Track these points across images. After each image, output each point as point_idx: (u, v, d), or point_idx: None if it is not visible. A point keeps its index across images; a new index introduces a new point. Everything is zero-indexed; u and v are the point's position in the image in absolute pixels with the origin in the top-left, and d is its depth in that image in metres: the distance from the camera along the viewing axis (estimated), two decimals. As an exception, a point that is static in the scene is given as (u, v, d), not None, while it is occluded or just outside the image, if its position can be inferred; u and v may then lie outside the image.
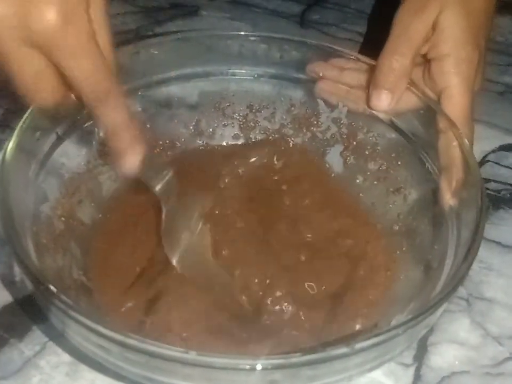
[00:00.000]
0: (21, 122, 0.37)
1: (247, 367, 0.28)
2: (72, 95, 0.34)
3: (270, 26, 0.71)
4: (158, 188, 0.40)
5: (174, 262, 0.40)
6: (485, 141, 0.44)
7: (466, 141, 0.39)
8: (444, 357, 0.41)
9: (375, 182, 0.47)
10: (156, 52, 0.46)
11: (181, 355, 0.27)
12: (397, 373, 0.40)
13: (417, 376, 0.40)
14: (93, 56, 0.31)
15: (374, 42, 0.43)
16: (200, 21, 0.72)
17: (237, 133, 0.51)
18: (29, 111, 0.37)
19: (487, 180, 0.53)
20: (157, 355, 0.28)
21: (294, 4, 0.76)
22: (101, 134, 0.41)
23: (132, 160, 0.35)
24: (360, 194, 0.47)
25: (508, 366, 0.40)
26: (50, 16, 0.29)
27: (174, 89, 0.48)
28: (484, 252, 0.46)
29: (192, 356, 0.27)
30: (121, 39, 0.65)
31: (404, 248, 0.43)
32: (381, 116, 0.44)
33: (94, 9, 0.32)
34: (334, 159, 0.49)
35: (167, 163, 0.47)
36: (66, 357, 0.39)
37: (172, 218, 0.41)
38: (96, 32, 0.31)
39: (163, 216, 0.41)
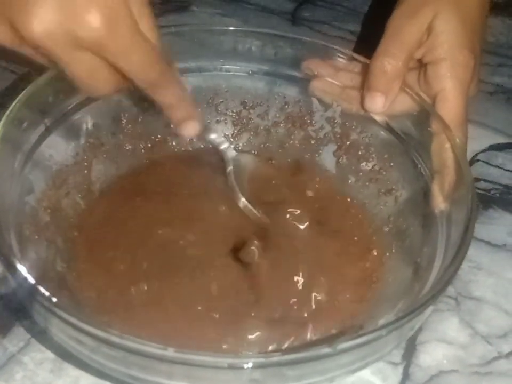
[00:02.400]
0: (7, 112, 0.36)
1: (226, 365, 0.28)
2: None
3: (261, 23, 0.71)
4: (223, 146, 0.45)
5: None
6: (475, 141, 0.44)
7: (459, 143, 0.39)
8: (433, 355, 0.41)
9: (367, 183, 0.47)
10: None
11: (159, 351, 0.27)
12: (385, 371, 0.40)
13: (405, 375, 0.40)
14: (141, 49, 0.33)
15: (368, 42, 0.43)
16: (191, 16, 0.72)
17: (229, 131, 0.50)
18: (15, 101, 0.37)
19: (477, 179, 0.53)
20: (134, 351, 0.27)
21: (285, 1, 0.76)
22: (89, 127, 0.42)
23: (193, 126, 0.40)
24: (352, 195, 0.47)
25: (496, 365, 0.41)
26: (94, 23, 0.30)
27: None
28: (473, 251, 0.46)
29: (170, 352, 0.27)
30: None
31: (393, 250, 0.43)
32: (375, 117, 0.44)
33: (135, 1, 0.33)
34: (327, 159, 0.49)
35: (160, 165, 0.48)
36: (50, 354, 0.39)
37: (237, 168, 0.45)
38: (139, 20, 0.33)
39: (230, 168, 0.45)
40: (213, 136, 0.46)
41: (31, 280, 0.30)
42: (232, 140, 0.51)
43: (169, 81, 0.36)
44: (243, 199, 0.44)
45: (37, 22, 0.30)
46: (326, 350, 0.28)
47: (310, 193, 0.47)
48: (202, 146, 0.50)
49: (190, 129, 0.40)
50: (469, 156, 0.53)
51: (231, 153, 0.46)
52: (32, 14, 0.30)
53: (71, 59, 0.32)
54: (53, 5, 0.30)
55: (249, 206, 0.44)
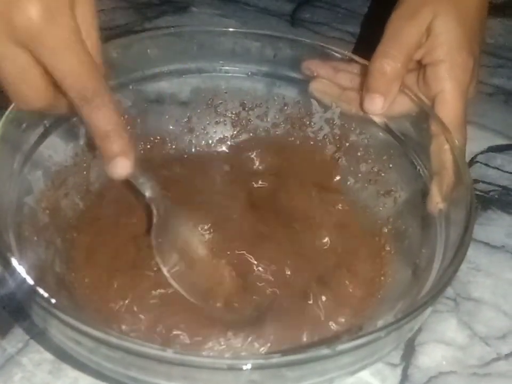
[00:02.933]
0: (6, 113, 0.36)
1: (225, 366, 0.27)
2: (61, 100, 0.33)
3: (260, 24, 0.71)
4: (148, 193, 0.39)
5: (164, 269, 0.39)
6: (474, 142, 0.44)
7: (458, 145, 0.39)
8: (431, 357, 0.41)
9: (366, 184, 0.47)
10: (148, 46, 0.45)
11: (157, 353, 0.27)
12: (384, 372, 0.40)
13: (404, 376, 0.40)
14: (77, 52, 0.31)
15: (367, 43, 0.43)
16: (190, 17, 0.72)
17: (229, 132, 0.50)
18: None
19: (476, 181, 0.53)
20: (133, 352, 0.27)
21: (284, 2, 0.76)
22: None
23: (122, 165, 0.34)
24: (350, 196, 0.47)
25: (495, 367, 0.41)
26: (33, 12, 0.29)
27: (165, 85, 0.48)
28: (471, 252, 0.46)
29: (169, 353, 0.27)
30: (110, 35, 0.65)
31: (392, 251, 0.43)
32: (375, 118, 0.44)
33: (82, 8, 0.31)
34: (326, 160, 0.48)
35: (158, 166, 0.47)
36: (49, 355, 0.38)
37: (164, 224, 0.40)
38: (84, 31, 0.31)
39: (154, 221, 0.40)
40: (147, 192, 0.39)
41: (30, 281, 0.30)
42: (231, 140, 0.51)
43: (106, 101, 0.32)
44: (165, 271, 0.39)
45: None
46: (325, 351, 0.28)
47: (309, 193, 0.47)
48: (200, 145, 0.50)
49: (120, 168, 0.34)
50: (468, 157, 0.53)
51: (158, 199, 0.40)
52: None
53: (3, 54, 0.30)
54: None
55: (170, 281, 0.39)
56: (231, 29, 0.47)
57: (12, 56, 0.30)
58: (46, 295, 0.29)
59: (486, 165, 0.55)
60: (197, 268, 0.41)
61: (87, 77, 0.31)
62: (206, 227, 0.42)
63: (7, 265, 0.31)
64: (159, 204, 0.40)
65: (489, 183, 0.54)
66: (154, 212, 0.40)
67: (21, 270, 0.31)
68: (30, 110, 0.34)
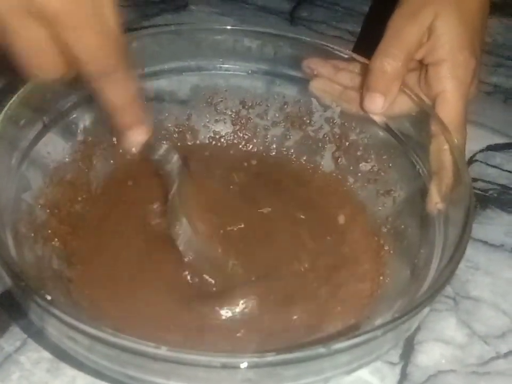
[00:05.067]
0: (5, 109, 0.36)
1: (220, 364, 0.27)
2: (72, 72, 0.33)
3: (259, 23, 0.70)
4: (166, 167, 0.39)
5: (178, 242, 0.40)
6: (473, 141, 0.44)
7: (457, 145, 0.39)
8: (430, 355, 0.41)
9: (366, 184, 0.47)
10: (148, 44, 0.45)
11: (152, 350, 0.27)
12: (383, 371, 0.40)
13: (403, 375, 0.40)
14: (97, 28, 0.31)
15: (368, 42, 0.43)
16: (189, 15, 0.72)
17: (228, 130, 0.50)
18: (13, 98, 0.36)
19: (475, 180, 0.53)
20: (128, 349, 0.27)
21: (283, 1, 0.76)
22: (87, 125, 0.40)
23: (137, 137, 0.35)
24: (350, 195, 0.47)
25: (494, 365, 0.41)
26: None
27: (165, 83, 0.48)
28: (470, 251, 0.45)
29: (163, 351, 0.27)
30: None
31: (391, 251, 0.43)
32: (375, 117, 0.44)
33: None
34: (326, 159, 0.49)
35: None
36: (47, 353, 0.38)
37: (178, 200, 0.40)
38: (104, 4, 0.31)
39: (170, 195, 0.40)
40: (162, 148, 0.40)
41: (26, 278, 0.30)
42: (231, 139, 0.50)
43: (122, 76, 0.33)
44: (184, 220, 0.40)
45: None
46: (320, 350, 0.28)
47: (308, 193, 0.47)
48: (199, 143, 0.50)
49: (137, 137, 0.35)
50: (467, 156, 0.53)
51: (180, 170, 0.41)
52: None
53: (22, 29, 0.30)
54: None
55: (188, 229, 0.40)
56: (231, 27, 0.47)
57: (29, 30, 0.30)
58: (42, 292, 0.29)
59: (485, 163, 0.55)
60: (206, 244, 0.41)
61: (106, 53, 0.31)
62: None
63: (4, 262, 0.30)
64: (178, 175, 0.40)
65: (488, 182, 0.54)
66: (174, 183, 0.40)
67: (17, 267, 0.30)
68: (42, 79, 0.33)
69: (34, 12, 0.29)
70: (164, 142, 0.39)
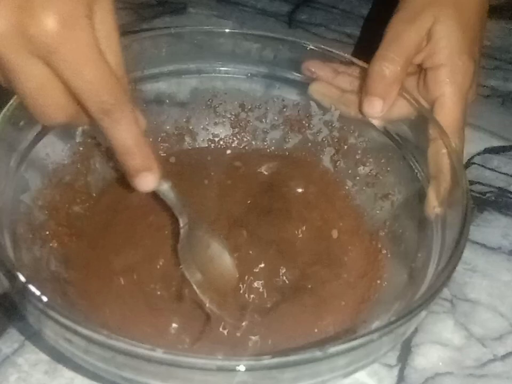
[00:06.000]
0: (4, 111, 0.36)
1: (215, 367, 0.27)
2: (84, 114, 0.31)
3: (257, 26, 0.71)
4: (170, 201, 0.39)
5: (193, 281, 0.38)
6: (471, 144, 0.45)
7: (455, 149, 0.39)
8: (428, 358, 0.41)
9: (364, 187, 0.47)
10: (147, 46, 0.45)
11: (147, 352, 0.27)
12: (381, 373, 0.40)
13: (400, 377, 0.40)
14: (95, 63, 0.29)
15: (367, 46, 0.43)
16: (187, 18, 0.72)
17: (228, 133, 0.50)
18: (13, 99, 0.36)
19: (472, 182, 0.53)
20: (123, 351, 0.27)
21: (282, 4, 0.76)
22: (87, 126, 0.39)
23: (147, 180, 0.33)
24: (348, 199, 0.47)
25: (491, 368, 0.41)
26: (49, 23, 0.28)
27: (164, 85, 0.48)
28: (468, 254, 0.46)
29: (158, 353, 0.27)
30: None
31: (388, 254, 0.43)
32: (374, 121, 0.44)
33: (101, 15, 0.30)
34: (325, 163, 0.49)
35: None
36: (45, 355, 0.38)
37: (188, 234, 0.39)
38: (104, 40, 0.30)
39: (181, 234, 0.39)
40: (170, 197, 0.38)
41: (23, 279, 0.30)
42: (230, 141, 0.51)
43: (128, 116, 0.31)
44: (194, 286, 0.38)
45: None
46: (316, 353, 0.28)
47: (307, 195, 0.47)
48: (198, 146, 0.50)
49: (145, 183, 0.34)
50: (465, 159, 0.54)
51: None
52: None
53: (21, 67, 0.29)
54: (9, 6, 0.28)
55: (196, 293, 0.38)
56: (231, 30, 0.47)
57: (29, 69, 0.29)
58: (38, 293, 0.29)
59: (483, 166, 0.56)
60: (217, 277, 0.40)
61: (106, 90, 0.30)
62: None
63: (1, 263, 0.30)
64: (181, 211, 0.39)
65: (485, 185, 0.54)
66: (179, 219, 0.39)
67: (14, 268, 0.30)
68: (52, 125, 0.32)
69: (32, 49, 0.28)
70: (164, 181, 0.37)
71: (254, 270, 0.40)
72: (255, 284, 0.40)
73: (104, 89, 0.30)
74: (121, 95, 0.31)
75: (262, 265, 0.41)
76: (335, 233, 0.45)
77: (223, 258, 0.40)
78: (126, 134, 0.32)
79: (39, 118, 0.31)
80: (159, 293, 0.39)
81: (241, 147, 0.50)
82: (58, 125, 0.32)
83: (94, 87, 0.30)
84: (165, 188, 0.37)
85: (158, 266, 0.41)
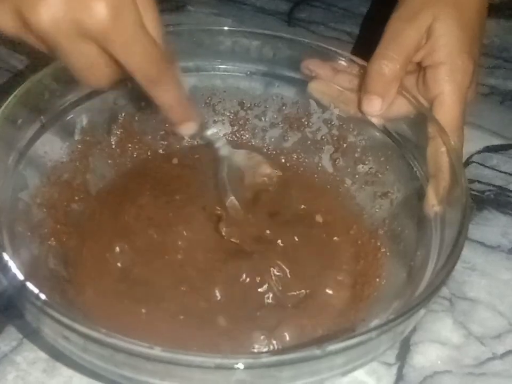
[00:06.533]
0: (2, 109, 0.36)
1: (213, 365, 0.27)
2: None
3: (257, 24, 0.70)
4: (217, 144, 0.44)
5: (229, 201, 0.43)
6: (470, 142, 0.44)
7: (454, 147, 0.39)
8: (427, 356, 0.41)
9: (363, 186, 0.47)
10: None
11: (145, 350, 0.27)
12: (379, 372, 0.40)
13: (399, 376, 0.40)
14: (144, 43, 0.33)
15: (367, 44, 0.43)
16: (186, 16, 0.72)
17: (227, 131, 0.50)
18: (11, 97, 0.37)
19: (472, 181, 0.53)
20: (121, 349, 0.27)
21: (281, 2, 0.76)
22: (85, 125, 0.42)
23: (187, 130, 0.40)
24: (348, 197, 0.47)
25: (490, 366, 0.41)
26: (100, 11, 0.31)
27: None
28: (467, 252, 0.46)
29: (156, 351, 0.27)
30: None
31: (388, 253, 0.43)
32: (373, 120, 0.44)
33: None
34: (324, 161, 0.49)
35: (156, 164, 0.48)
36: (43, 354, 0.38)
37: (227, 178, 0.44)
38: (143, 14, 0.33)
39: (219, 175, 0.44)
40: (209, 132, 0.45)
41: (21, 277, 0.30)
42: (229, 139, 0.50)
43: (170, 81, 0.36)
44: (232, 198, 0.44)
45: (44, 10, 0.31)
46: (315, 351, 0.28)
47: (306, 194, 0.47)
48: (197, 142, 0.50)
49: (187, 130, 0.40)
50: (464, 157, 0.53)
51: (226, 150, 0.45)
52: (40, 1, 0.31)
53: (73, 49, 0.32)
54: None
55: (237, 206, 0.44)
56: (229, 28, 0.47)
57: (81, 51, 0.32)
58: (36, 291, 0.29)
59: (482, 165, 0.55)
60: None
61: (153, 62, 0.34)
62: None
63: (0, 261, 0.30)
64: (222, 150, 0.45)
65: (485, 183, 0.54)
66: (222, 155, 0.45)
67: (13, 266, 0.30)
68: (95, 87, 0.37)
69: (84, 33, 0.31)
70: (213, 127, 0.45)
71: (257, 272, 0.40)
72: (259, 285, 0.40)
73: (152, 64, 0.34)
74: (166, 66, 0.35)
75: (258, 262, 0.41)
76: (333, 232, 0.45)
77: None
78: (170, 95, 0.37)
79: (85, 84, 0.35)
80: (158, 290, 0.39)
81: (240, 145, 0.50)
82: (100, 88, 0.36)
83: (142, 63, 0.34)
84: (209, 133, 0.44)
85: (158, 264, 0.41)
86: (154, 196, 0.45)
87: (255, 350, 0.37)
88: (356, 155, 0.47)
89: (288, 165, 0.50)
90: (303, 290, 0.40)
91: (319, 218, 0.46)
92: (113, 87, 0.37)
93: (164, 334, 0.37)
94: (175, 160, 0.49)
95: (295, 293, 0.40)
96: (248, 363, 0.28)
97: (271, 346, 0.37)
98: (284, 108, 0.49)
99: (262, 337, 0.37)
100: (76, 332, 0.28)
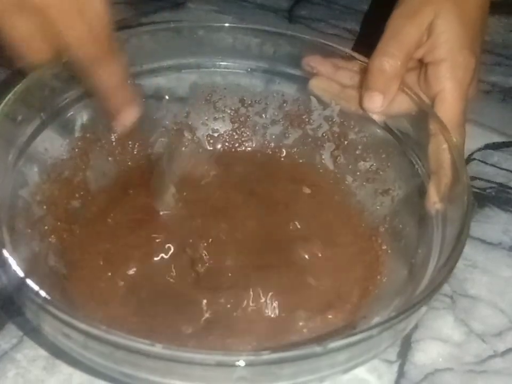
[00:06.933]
0: (1, 105, 0.36)
1: (214, 362, 0.27)
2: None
3: (257, 21, 0.70)
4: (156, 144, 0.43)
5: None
6: (471, 139, 0.44)
7: (456, 144, 0.39)
8: (428, 354, 0.41)
9: (364, 183, 0.47)
10: (146, 41, 0.45)
11: (146, 347, 0.27)
12: (381, 369, 0.40)
13: (400, 373, 0.40)
14: (84, 16, 0.33)
15: (368, 41, 0.42)
16: (186, 13, 0.72)
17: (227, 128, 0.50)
18: (10, 94, 0.36)
19: (473, 178, 0.53)
20: (121, 346, 0.27)
21: (282, -1, 0.75)
22: (86, 121, 0.42)
23: (128, 116, 0.38)
24: (349, 195, 0.47)
25: (491, 364, 0.40)
26: None
27: (164, 80, 0.47)
28: (468, 249, 0.46)
29: (157, 349, 0.27)
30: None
31: (389, 250, 0.43)
32: (374, 116, 0.44)
33: None
34: (325, 158, 0.49)
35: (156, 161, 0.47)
36: (43, 351, 0.38)
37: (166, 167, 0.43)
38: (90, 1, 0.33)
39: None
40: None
41: (21, 274, 0.30)
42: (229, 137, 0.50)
43: (112, 60, 0.35)
44: (172, 189, 0.42)
45: None
46: (316, 349, 0.28)
47: (307, 190, 0.47)
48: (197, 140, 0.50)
49: (128, 117, 0.38)
50: (465, 154, 0.53)
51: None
52: None
53: (13, 21, 0.32)
54: None
55: (173, 200, 0.42)
56: (230, 25, 0.47)
57: (21, 22, 0.32)
58: (36, 288, 0.29)
59: (483, 162, 0.55)
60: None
61: (95, 37, 0.33)
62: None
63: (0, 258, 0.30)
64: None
65: (486, 180, 0.54)
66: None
67: (13, 263, 0.30)
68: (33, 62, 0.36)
69: (26, 8, 0.31)
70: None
71: (259, 268, 0.40)
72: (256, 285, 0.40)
73: (93, 38, 0.33)
74: (108, 43, 0.34)
75: (256, 258, 0.41)
76: (334, 229, 0.45)
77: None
78: (111, 76, 0.35)
79: (21, 59, 0.34)
80: (159, 288, 0.39)
81: (241, 142, 0.50)
82: (36, 64, 0.36)
83: (81, 41, 0.33)
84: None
85: (158, 261, 0.40)
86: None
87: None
88: (357, 152, 0.47)
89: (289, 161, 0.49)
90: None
91: (320, 215, 0.45)
92: (49, 65, 0.36)
93: (165, 328, 0.37)
94: None
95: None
96: (249, 360, 0.27)
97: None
98: (284, 105, 0.49)
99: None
100: (76, 329, 0.28)
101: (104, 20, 0.34)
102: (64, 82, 0.41)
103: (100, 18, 0.33)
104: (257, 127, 0.50)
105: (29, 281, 0.29)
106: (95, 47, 0.34)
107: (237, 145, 0.50)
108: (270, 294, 0.39)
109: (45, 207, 0.41)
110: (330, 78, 0.46)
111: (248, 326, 0.37)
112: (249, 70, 0.48)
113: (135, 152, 0.48)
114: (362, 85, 0.43)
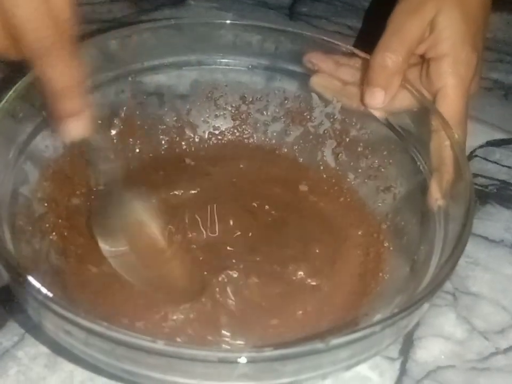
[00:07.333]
0: (2, 102, 0.36)
1: (216, 359, 0.27)
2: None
3: (258, 18, 0.70)
4: (99, 163, 0.37)
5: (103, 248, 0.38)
6: (473, 137, 0.44)
7: (458, 140, 0.39)
8: (430, 351, 0.41)
9: (366, 180, 0.47)
10: (148, 38, 0.45)
11: (147, 344, 0.27)
12: (383, 366, 0.39)
13: (402, 370, 0.40)
14: (34, 2, 0.29)
15: (369, 37, 0.42)
16: (187, 10, 0.71)
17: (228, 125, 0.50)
18: (11, 91, 0.36)
19: (475, 175, 0.53)
20: (123, 343, 0.27)
21: (283, -4, 0.75)
22: None
23: (76, 127, 0.32)
24: (350, 192, 0.47)
25: (493, 361, 0.40)
26: None
27: (164, 77, 0.47)
28: (470, 247, 0.45)
29: (159, 345, 0.27)
30: (106, 27, 0.64)
31: (391, 247, 0.43)
32: (376, 113, 0.44)
33: None
34: (326, 155, 0.49)
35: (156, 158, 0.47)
36: (45, 348, 0.38)
37: (109, 198, 0.39)
38: None
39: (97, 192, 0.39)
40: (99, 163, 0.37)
41: (23, 272, 0.29)
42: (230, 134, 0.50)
43: (68, 57, 0.31)
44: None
45: None
46: (318, 345, 0.28)
47: (307, 188, 0.47)
48: (198, 137, 0.50)
49: (76, 127, 0.32)
50: (467, 151, 0.53)
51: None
52: None
53: None
54: None
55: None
56: (231, 22, 0.47)
57: None
58: (37, 285, 0.29)
59: (485, 159, 0.55)
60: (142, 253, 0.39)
61: (46, 27, 0.29)
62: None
63: (1, 256, 0.30)
64: (107, 176, 0.38)
65: (487, 178, 0.53)
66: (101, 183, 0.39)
67: (14, 261, 0.30)
68: None
69: None
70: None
71: (258, 264, 0.40)
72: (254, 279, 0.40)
73: (42, 28, 0.29)
74: (62, 36, 0.30)
75: (257, 256, 0.41)
76: (336, 227, 0.45)
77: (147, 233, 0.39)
78: (63, 74, 0.31)
79: None
80: (159, 286, 0.39)
81: (242, 139, 0.50)
82: None
83: (32, 25, 0.29)
84: (93, 139, 0.35)
85: (158, 260, 0.40)
86: (157, 191, 0.44)
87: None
88: (359, 149, 0.47)
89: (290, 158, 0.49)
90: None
91: (321, 213, 0.45)
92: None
93: (165, 324, 0.37)
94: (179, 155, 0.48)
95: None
96: (251, 357, 0.27)
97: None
98: (285, 102, 0.49)
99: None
100: (77, 326, 0.28)
101: (67, 11, 0.30)
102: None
103: (63, 5, 0.30)
104: (258, 124, 0.50)
105: (30, 279, 0.29)
106: (48, 32, 0.29)
107: (238, 142, 0.50)
108: (270, 294, 0.39)
109: (45, 204, 0.41)
110: (332, 75, 0.45)
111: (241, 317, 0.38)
112: (250, 67, 0.48)
113: (136, 150, 0.48)
114: (364, 81, 0.43)
